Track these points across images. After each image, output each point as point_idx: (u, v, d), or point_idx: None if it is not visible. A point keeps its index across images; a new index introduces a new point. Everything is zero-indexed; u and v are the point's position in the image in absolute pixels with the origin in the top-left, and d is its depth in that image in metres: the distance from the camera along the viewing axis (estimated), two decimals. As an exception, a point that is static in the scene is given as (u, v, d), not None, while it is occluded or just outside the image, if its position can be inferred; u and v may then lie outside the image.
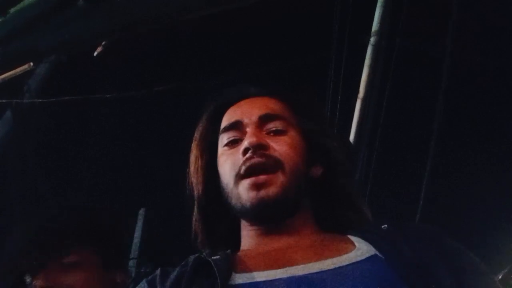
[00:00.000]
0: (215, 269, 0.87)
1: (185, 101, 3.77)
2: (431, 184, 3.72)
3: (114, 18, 2.18)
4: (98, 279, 1.34)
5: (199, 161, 1.08)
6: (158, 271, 0.95)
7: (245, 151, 0.98)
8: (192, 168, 1.09)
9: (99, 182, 4.77)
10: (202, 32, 3.82)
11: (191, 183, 1.09)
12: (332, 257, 0.90)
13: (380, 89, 3.75)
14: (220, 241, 1.05)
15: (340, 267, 0.88)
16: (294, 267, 0.89)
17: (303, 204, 1.02)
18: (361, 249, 0.92)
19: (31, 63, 2.76)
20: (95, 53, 2.76)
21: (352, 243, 0.94)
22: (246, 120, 1.04)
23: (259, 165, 0.96)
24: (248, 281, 0.88)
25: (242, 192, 0.96)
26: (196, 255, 0.96)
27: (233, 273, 0.89)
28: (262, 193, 0.94)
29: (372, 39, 3.66)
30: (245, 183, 0.96)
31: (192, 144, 1.11)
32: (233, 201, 0.98)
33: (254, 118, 1.03)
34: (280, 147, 0.99)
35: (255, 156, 0.97)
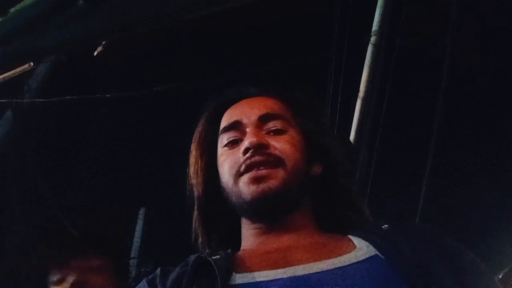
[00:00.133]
0: (215, 269, 0.87)
1: (185, 101, 3.77)
2: (431, 184, 3.72)
3: (114, 18, 2.18)
4: (114, 285, 1.45)
5: (199, 162, 1.08)
6: (158, 271, 0.95)
7: (246, 151, 0.98)
8: (192, 168, 1.09)
9: (99, 182, 4.77)
10: (202, 32, 3.82)
11: (191, 183, 1.09)
12: (333, 257, 0.90)
13: (380, 89, 3.75)
14: (221, 241, 1.05)
15: (340, 267, 0.88)
16: (294, 267, 0.89)
17: (304, 203, 1.02)
18: (361, 249, 0.92)
19: (31, 63, 2.76)
20: (95, 53, 2.76)
21: (352, 243, 0.94)
22: (245, 120, 1.04)
23: (260, 163, 0.96)
24: (248, 281, 0.88)
25: (243, 187, 0.96)
26: (197, 254, 0.96)
27: (234, 273, 0.89)
28: (263, 185, 0.95)
29: (372, 39, 3.66)
30: (245, 177, 0.96)
31: (192, 145, 1.11)
32: (234, 199, 0.98)
33: (254, 118, 1.04)
34: (280, 145, 1.00)
35: (255, 155, 0.97)
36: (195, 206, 1.07)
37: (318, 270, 0.87)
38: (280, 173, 0.96)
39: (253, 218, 1.00)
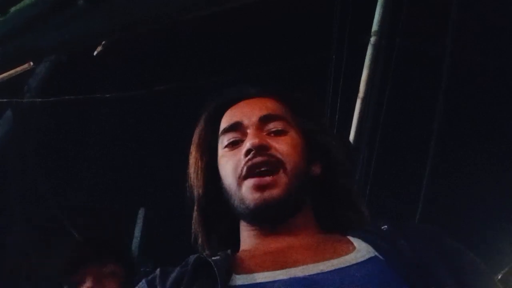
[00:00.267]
0: (215, 270, 0.87)
1: (185, 101, 3.76)
2: (431, 184, 3.72)
3: (114, 18, 2.18)
4: None
5: (199, 163, 1.08)
6: (157, 271, 0.95)
7: (247, 153, 0.98)
8: (192, 169, 1.09)
9: (99, 182, 4.77)
10: (202, 32, 3.82)
11: (191, 184, 1.09)
12: (332, 258, 0.90)
13: (380, 89, 3.75)
14: (220, 241, 1.05)
15: (340, 269, 0.88)
16: (294, 268, 0.89)
17: (305, 204, 1.02)
18: (361, 251, 0.92)
19: (31, 63, 2.76)
20: (95, 53, 2.76)
21: (352, 244, 0.94)
22: (246, 121, 1.04)
23: (262, 164, 0.96)
24: (248, 282, 0.88)
25: (246, 193, 0.96)
26: (196, 255, 0.96)
27: (233, 274, 0.89)
28: (267, 194, 0.95)
29: (372, 39, 3.66)
30: (249, 183, 0.96)
31: (192, 145, 1.11)
32: (236, 203, 0.98)
33: (255, 119, 1.04)
34: (281, 147, 1.00)
35: (257, 156, 0.97)
36: (195, 207, 1.07)
37: (318, 272, 0.87)
38: (282, 178, 0.96)
39: (255, 223, 1.00)
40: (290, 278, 0.87)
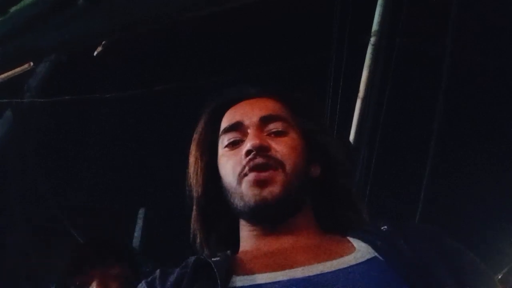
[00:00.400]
0: (215, 271, 0.87)
1: (185, 101, 3.76)
2: (431, 184, 3.72)
3: (114, 18, 2.18)
4: None
5: (199, 162, 1.08)
6: (157, 272, 0.95)
7: (248, 153, 0.98)
8: (191, 168, 1.09)
9: (99, 182, 4.77)
10: (202, 32, 3.82)
11: (191, 183, 1.09)
12: (332, 259, 0.90)
13: (380, 89, 3.75)
14: (219, 241, 1.05)
15: (340, 270, 0.88)
16: (294, 269, 0.89)
17: (304, 204, 1.02)
18: (361, 251, 0.92)
19: (31, 63, 2.76)
20: (95, 53, 2.76)
21: (352, 245, 0.94)
22: (247, 122, 1.04)
23: (262, 165, 0.96)
24: (248, 284, 0.88)
25: (245, 190, 0.96)
26: (196, 256, 0.96)
27: (233, 276, 0.89)
28: (265, 192, 0.95)
29: (372, 39, 3.66)
30: (248, 179, 0.96)
31: (192, 145, 1.11)
32: (236, 201, 0.98)
33: (255, 119, 1.04)
34: (281, 148, 1.00)
35: (257, 157, 0.97)
36: (194, 206, 1.07)
37: (318, 272, 0.87)
38: (280, 175, 0.96)
39: (253, 221, 1.00)
40: (290, 279, 0.87)
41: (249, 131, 1.02)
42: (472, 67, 3.99)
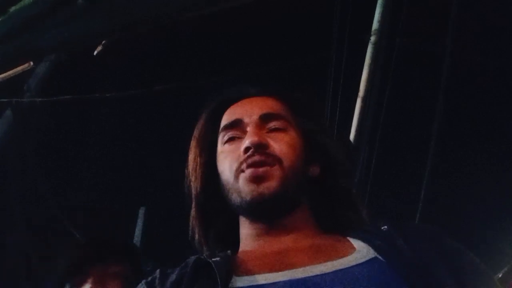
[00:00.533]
0: (216, 271, 0.87)
1: (185, 101, 3.76)
2: (431, 184, 3.71)
3: (114, 18, 2.18)
4: None
5: (198, 159, 1.08)
6: (157, 273, 0.95)
7: (246, 150, 0.98)
8: (190, 166, 1.09)
9: (99, 182, 4.77)
10: (202, 32, 3.82)
11: (190, 181, 1.09)
12: (332, 260, 0.90)
13: (380, 88, 3.75)
14: (218, 238, 1.05)
15: (340, 270, 0.88)
16: (294, 270, 0.89)
17: (302, 203, 1.02)
18: (361, 252, 0.91)
19: (31, 62, 2.76)
20: (95, 52, 2.76)
21: (352, 245, 0.94)
22: (246, 119, 1.04)
23: (260, 163, 0.97)
24: (248, 284, 0.88)
25: (242, 185, 0.97)
26: (196, 256, 0.95)
27: (234, 276, 0.89)
28: (262, 187, 0.95)
29: (372, 39, 3.66)
30: (245, 175, 0.97)
31: (191, 143, 1.11)
32: (233, 196, 0.98)
33: (255, 117, 1.04)
34: (279, 145, 1.00)
35: (256, 154, 0.97)
36: (193, 203, 1.08)
37: (318, 273, 0.87)
38: (277, 171, 0.97)
39: (251, 218, 1.00)
40: (291, 280, 0.87)
41: (248, 128, 1.03)
42: (472, 67, 3.99)
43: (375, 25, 3.67)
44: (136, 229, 5.02)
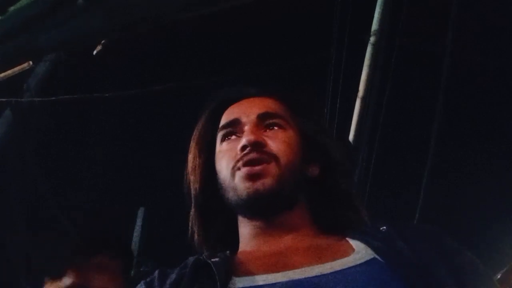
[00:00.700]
0: (215, 272, 0.87)
1: (185, 101, 3.77)
2: (431, 184, 3.72)
3: (114, 18, 2.18)
4: (120, 283, 1.45)
5: (197, 159, 1.08)
6: (156, 273, 0.95)
7: (243, 148, 0.98)
8: (190, 166, 1.09)
9: (99, 182, 4.78)
10: (202, 32, 3.82)
11: (189, 181, 1.09)
12: (331, 260, 0.90)
13: (380, 89, 3.75)
14: (217, 238, 1.05)
15: (339, 271, 0.88)
16: (293, 270, 0.88)
17: (300, 202, 1.02)
18: (360, 252, 0.91)
19: (31, 62, 2.76)
20: (95, 52, 2.76)
21: (351, 246, 0.94)
22: (244, 119, 1.04)
23: (256, 160, 0.97)
24: (247, 285, 0.87)
25: (238, 183, 0.97)
26: (195, 256, 0.95)
27: (233, 277, 0.89)
28: (258, 184, 0.95)
29: (372, 39, 3.66)
30: (241, 173, 0.97)
31: (191, 143, 1.11)
32: (230, 194, 0.98)
33: (253, 116, 1.04)
34: (276, 144, 1.00)
35: (252, 152, 0.97)
36: (192, 203, 1.07)
37: (317, 274, 0.87)
38: (273, 169, 0.97)
39: (249, 215, 1.00)
40: (290, 280, 0.87)
41: (246, 128, 1.03)
42: (472, 67, 3.99)
43: (374, 25, 3.67)
44: (136, 229, 5.02)
